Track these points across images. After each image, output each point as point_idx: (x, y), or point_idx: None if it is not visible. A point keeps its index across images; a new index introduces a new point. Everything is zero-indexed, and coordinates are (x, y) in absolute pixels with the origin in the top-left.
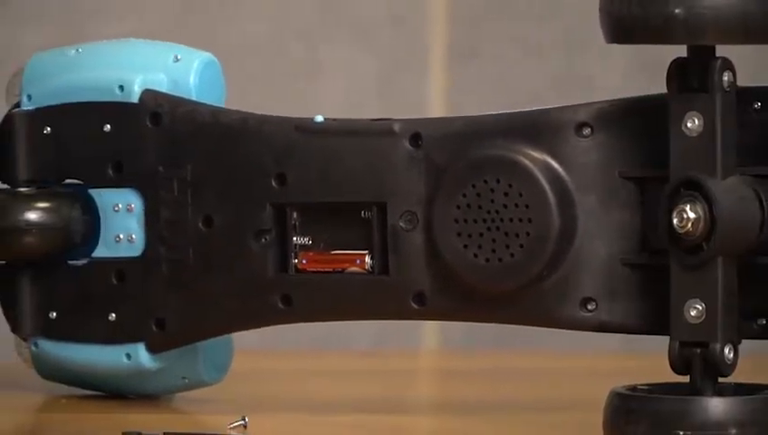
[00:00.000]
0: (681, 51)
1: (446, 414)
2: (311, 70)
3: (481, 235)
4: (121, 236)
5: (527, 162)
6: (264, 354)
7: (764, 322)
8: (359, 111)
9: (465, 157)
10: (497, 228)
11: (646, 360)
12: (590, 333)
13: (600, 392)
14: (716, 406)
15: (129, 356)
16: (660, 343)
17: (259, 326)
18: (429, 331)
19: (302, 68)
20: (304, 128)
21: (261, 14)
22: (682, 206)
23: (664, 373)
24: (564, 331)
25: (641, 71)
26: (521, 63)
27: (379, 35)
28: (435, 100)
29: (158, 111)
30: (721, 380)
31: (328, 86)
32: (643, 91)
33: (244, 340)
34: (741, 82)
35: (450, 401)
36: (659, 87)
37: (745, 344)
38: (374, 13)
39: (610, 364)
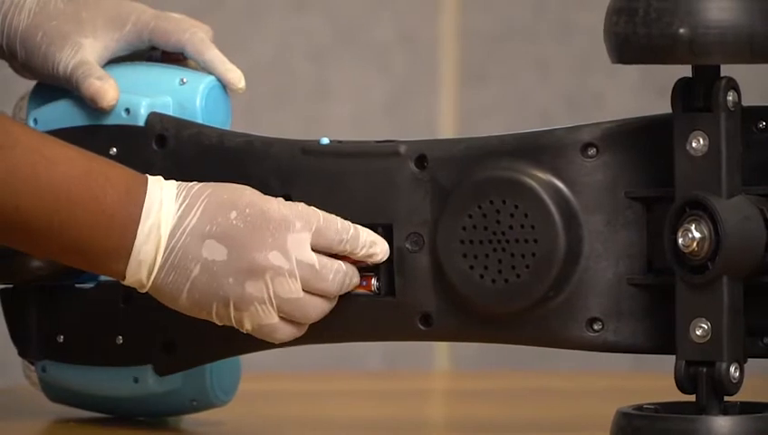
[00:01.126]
0: (689, 70)
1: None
2: (321, 91)
3: (487, 256)
4: None
5: (533, 183)
6: (274, 376)
7: None
8: (368, 133)
9: (471, 178)
10: (503, 249)
11: (652, 379)
12: (598, 353)
13: (608, 412)
14: (722, 425)
15: (136, 379)
16: (666, 363)
17: (267, 349)
18: (441, 352)
19: (312, 89)
20: (310, 150)
21: (271, 35)
22: (687, 225)
23: (670, 393)
24: (572, 351)
25: (651, 90)
26: (531, 84)
27: (389, 57)
28: (445, 121)
29: (165, 133)
30: (727, 398)
31: (338, 107)
32: (653, 110)
33: (252, 362)
34: (749, 102)
35: (462, 421)
36: (668, 105)
37: (751, 363)
38: (385, 34)
39: (619, 384)
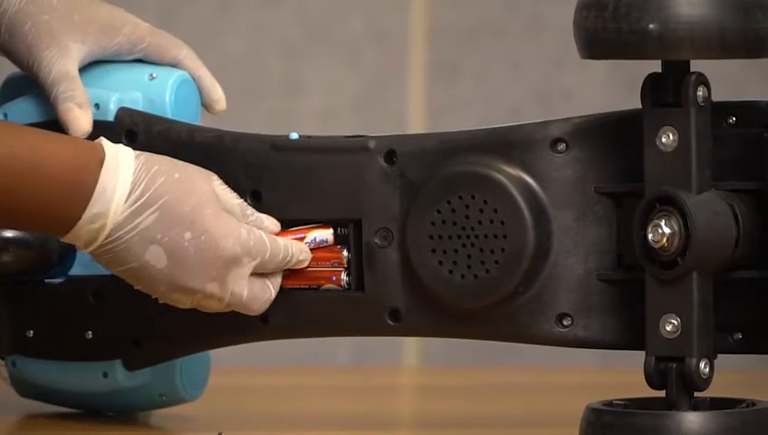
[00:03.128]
0: (658, 65)
1: (426, 430)
2: (291, 86)
3: (456, 251)
4: None
5: (502, 178)
6: (242, 371)
7: (740, 336)
8: (339, 128)
9: (440, 173)
10: (472, 245)
11: (622, 375)
12: (567, 348)
13: (578, 407)
14: (692, 421)
15: (106, 374)
16: (636, 358)
17: (236, 343)
18: (410, 347)
19: (283, 85)
20: (279, 145)
21: (242, 30)
22: (657, 221)
23: (639, 388)
24: (542, 346)
25: (621, 86)
26: (501, 79)
27: (360, 52)
28: (415, 116)
29: (134, 128)
30: (697, 394)
31: (308, 102)
32: (624, 106)
33: (221, 357)
34: (719, 97)
35: (431, 417)
36: (638, 100)
37: (721, 358)
38: (355, 29)
39: (587, 379)
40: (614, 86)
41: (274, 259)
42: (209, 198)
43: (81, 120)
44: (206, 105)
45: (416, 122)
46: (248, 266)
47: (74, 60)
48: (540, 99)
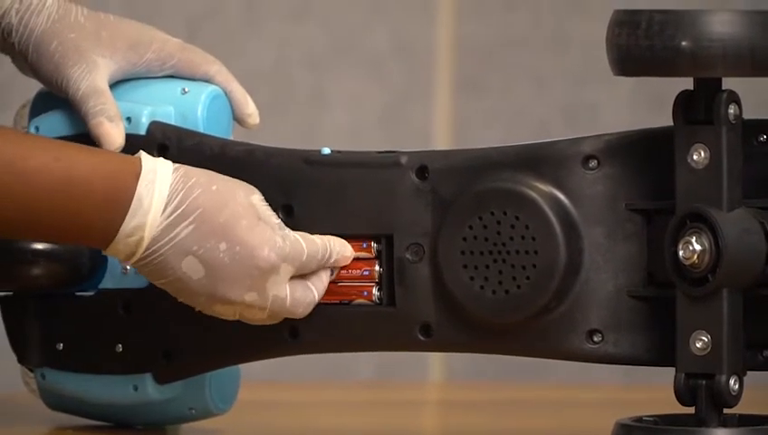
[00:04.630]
0: (685, 82)
1: None
2: (317, 100)
3: (487, 267)
4: (128, 267)
5: (534, 194)
6: (270, 386)
7: None
8: (363, 142)
9: (472, 189)
10: (503, 260)
11: (647, 391)
12: (594, 364)
13: (603, 423)
14: None
15: (136, 387)
16: (658, 375)
17: (266, 358)
18: (434, 362)
19: (308, 98)
20: (312, 160)
21: (268, 44)
22: (688, 238)
23: (665, 405)
24: (568, 362)
25: (646, 101)
26: (526, 94)
27: (386, 67)
28: (440, 131)
29: (166, 142)
30: (725, 411)
31: (334, 116)
32: (648, 121)
33: (248, 371)
34: (750, 115)
35: (455, 432)
36: (663, 116)
37: (750, 375)
38: (381, 44)
39: (610, 396)
40: (639, 101)
41: (313, 259)
42: (245, 209)
43: (112, 134)
44: (238, 119)
45: (441, 137)
46: (286, 274)
47: (103, 75)
48: (565, 114)
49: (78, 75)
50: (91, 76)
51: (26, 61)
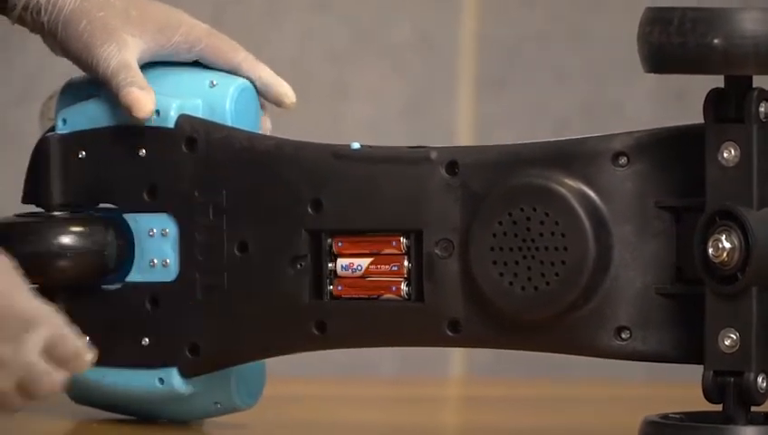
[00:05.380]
0: (707, 79)
1: None
2: (338, 93)
3: (517, 263)
4: (156, 260)
5: (564, 191)
6: (294, 381)
7: None
8: (385, 136)
9: (502, 185)
10: (533, 257)
11: (668, 389)
12: (616, 361)
13: (627, 420)
14: None
15: (162, 381)
16: (682, 372)
17: (293, 352)
18: (456, 358)
19: (332, 92)
20: (342, 154)
21: (291, 38)
22: (717, 236)
23: (688, 402)
24: (592, 359)
25: (668, 97)
26: (549, 90)
27: (408, 61)
28: (462, 125)
29: (194, 136)
30: (753, 409)
31: (356, 109)
32: (671, 117)
33: (272, 366)
34: None
35: (477, 428)
36: (684, 113)
37: None
38: (404, 38)
39: (637, 393)
40: (661, 98)
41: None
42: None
43: (142, 99)
44: (275, 101)
45: (463, 132)
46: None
47: (133, 53)
48: (586, 110)
49: (108, 54)
50: (121, 54)
51: (56, 39)
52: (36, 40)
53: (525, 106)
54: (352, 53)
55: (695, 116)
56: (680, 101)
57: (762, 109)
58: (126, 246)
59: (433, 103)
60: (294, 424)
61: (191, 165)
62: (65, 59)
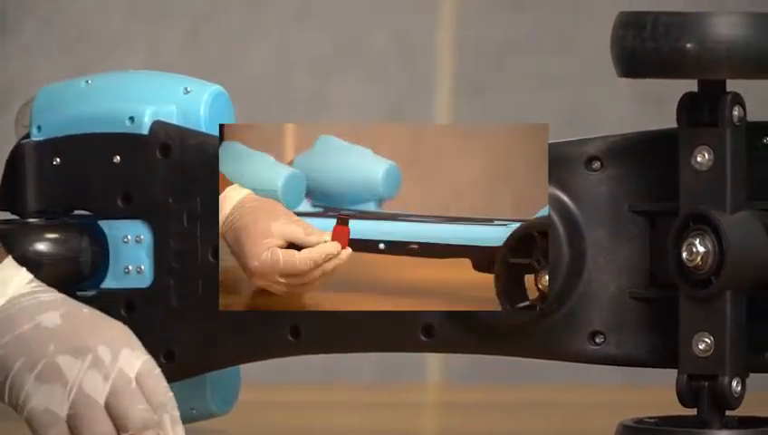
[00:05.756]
0: (688, 84)
1: None
2: (319, 103)
3: None
4: (130, 267)
5: None
6: (270, 387)
7: None
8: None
9: None
10: None
11: (643, 393)
12: (593, 366)
13: (603, 425)
14: None
15: None
16: (656, 377)
17: (268, 358)
18: (433, 364)
19: (310, 100)
20: None
21: (270, 46)
22: (691, 240)
23: (662, 406)
24: (568, 364)
25: (649, 102)
26: (528, 96)
27: (387, 69)
28: None
29: (169, 142)
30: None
31: (335, 118)
32: (652, 122)
33: (249, 372)
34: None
35: (455, 433)
36: (665, 117)
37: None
38: (382, 46)
39: (613, 397)
40: (642, 103)
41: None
42: None
43: None
44: None
45: None
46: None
47: None
48: (567, 115)
49: None
50: None
51: None
52: (14, 48)
53: (505, 111)
54: (332, 62)
55: (675, 121)
56: (660, 106)
57: (735, 112)
58: (101, 253)
59: (414, 111)
60: (273, 430)
61: (165, 171)
62: (41, 66)
